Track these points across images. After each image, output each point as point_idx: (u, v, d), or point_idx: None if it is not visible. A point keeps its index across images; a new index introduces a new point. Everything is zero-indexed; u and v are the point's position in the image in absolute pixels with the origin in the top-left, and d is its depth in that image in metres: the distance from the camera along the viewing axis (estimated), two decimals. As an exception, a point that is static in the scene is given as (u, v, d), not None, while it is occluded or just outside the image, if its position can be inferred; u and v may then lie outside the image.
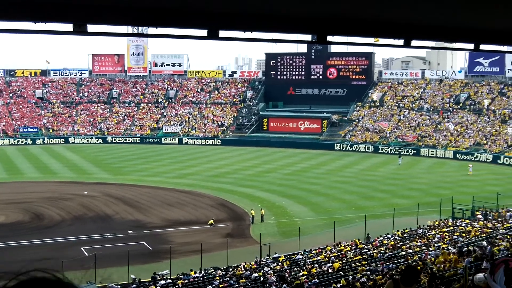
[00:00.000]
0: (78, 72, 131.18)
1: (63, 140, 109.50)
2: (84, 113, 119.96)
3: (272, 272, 31.71)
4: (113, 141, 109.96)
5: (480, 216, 45.81)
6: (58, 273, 2.41)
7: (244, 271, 34.04)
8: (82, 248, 43.17)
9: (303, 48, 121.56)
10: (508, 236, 34.50)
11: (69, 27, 8.18)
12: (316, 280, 28.76)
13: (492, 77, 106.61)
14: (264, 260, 37.54)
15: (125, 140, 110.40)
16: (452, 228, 42.69)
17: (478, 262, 23.72)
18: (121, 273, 36.32)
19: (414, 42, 10.69)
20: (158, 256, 42.17)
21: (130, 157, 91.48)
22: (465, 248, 30.52)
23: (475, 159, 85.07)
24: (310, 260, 36.26)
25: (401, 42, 10.46)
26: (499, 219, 44.96)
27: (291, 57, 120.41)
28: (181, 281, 32.86)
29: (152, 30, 9.07)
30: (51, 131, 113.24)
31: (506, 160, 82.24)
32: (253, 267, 35.24)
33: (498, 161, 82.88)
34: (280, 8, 8.84)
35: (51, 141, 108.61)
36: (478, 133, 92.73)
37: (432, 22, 10.43)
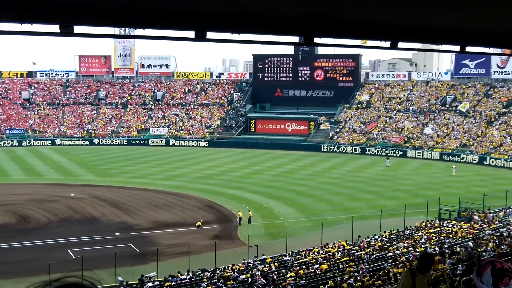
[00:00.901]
0: (65, 74, 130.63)
1: (50, 141, 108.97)
2: (70, 115, 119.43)
3: (259, 274, 31.67)
4: (100, 142, 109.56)
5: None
6: (90, 278, 2.47)
7: (232, 273, 34.01)
8: (69, 250, 42.95)
9: (290, 50, 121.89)
10: (495, 237, 34.70)
11: (55, 28, 8.16)
12: (304, 281, 28.79)
13: (478, 78, 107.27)
14: (252, 262, 37.53)
15: (112, 141, 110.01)
16: (439, 229, 42.89)
17: (462, 263, 23.84)
18: (108, 276, 36.16)
19: (400, 44, 10.74)
20: (145, 258, 42.04)
21: (117, 158, 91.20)
22: (448, 250, 30.70)
23: (461, 161, 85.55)
24: (298, 261, 36.29)
25: (388, 44, 10.50)
26: (485, 220, 45.20)
27: (278, 58, 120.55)
28: (169, 283, 32.79)
29: (139, 32, 9.05)
30: (37, 132, 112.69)
31: (492, 161, 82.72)
32: (240, 268, 35.21)
33: (484, 162, 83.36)
34: (267, 10, 8.86)
35: (38, 142, 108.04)
36: (464, 134, 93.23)
37: (418, 24, 10.49)
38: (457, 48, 11.99)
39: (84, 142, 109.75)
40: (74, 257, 40.43)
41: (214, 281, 31.86)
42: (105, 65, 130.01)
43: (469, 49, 12.07)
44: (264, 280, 29.48)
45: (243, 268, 35.32)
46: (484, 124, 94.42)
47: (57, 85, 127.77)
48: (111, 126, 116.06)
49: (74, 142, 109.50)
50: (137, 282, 34.20)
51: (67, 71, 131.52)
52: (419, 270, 7.45)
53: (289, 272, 32.36)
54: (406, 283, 7.91)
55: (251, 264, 36.68)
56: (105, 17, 8.44)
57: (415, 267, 7.47)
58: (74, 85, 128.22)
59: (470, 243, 33.28)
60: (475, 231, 40.19)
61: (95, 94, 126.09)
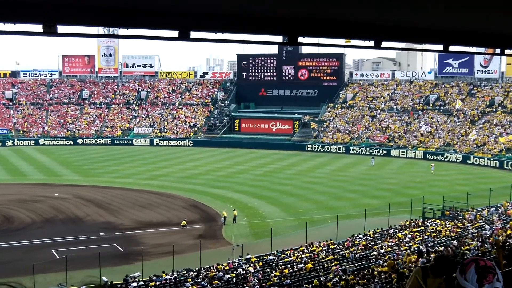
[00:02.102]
0: (48, 73, 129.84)
1: (33, 141, 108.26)
2: (54, 115, 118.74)
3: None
4: (84, 142, 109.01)
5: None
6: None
7: (217, 272, 33.99)
8: (53, 250, 42.73)
9: (274, 49, 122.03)
10: (478, 236, 34.93)
11: (38, 28, 8.11)
12: (289, 280, 28.84)
13: (461, 78, 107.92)
14: (237, 262, 37.54)
15: (96, 141, 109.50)
16: (422, 228, 43.10)
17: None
18: (93, 276, 36.00)
19: (384, 43, 10.78)
20: (130, 258, 41.93)
21: (101, 158, 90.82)
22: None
23: (445, 160, 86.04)
24: (283, 260, 36.33)
25: (371, 43, 10.54)
26: (469, 218, 45.46)
27: (263, 58, 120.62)
28: (153, 283, 32.71)
29: (122, 31, 9.02)
30: (21, 132, 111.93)
31: (476, 160, 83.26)
32: (225, 268, 35.21)
33: (468, 161, 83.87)
34: (251, 9, 8.86)
35: (21, 142, 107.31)
36: (448, 133, 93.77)
37: (402, 23, 10.53)
38: (440, 47, 12.06)
39: (68, 142, 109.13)
40: (58, 257, 40.26)
41: (199, 280, 31.83)
42: (89, 64, 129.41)
43: (452, 48, 12.14)
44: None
45: (227, 268, 35.32)
46: (468, 123, 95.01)
47: (40, 85, 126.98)
48: (95, 126, 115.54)
49: (57, 142, 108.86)
50: (122, 282, 34.08)
51: (51, 70, 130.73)
52: (432, 272, 6.89)
53: (274, 272, 32.39)
54: (415, 283, 7.23)
55: (236, 263, 36.69)
56: (89, 16, 8.41)
57: (428, 266, 7.10)
58: (57, 85, 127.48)
59: (454, 242, 33.50)
60: (459, 230, 40.44)
61: (78, 93, 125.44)
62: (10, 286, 2.50)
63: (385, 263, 28.93)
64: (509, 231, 33.72)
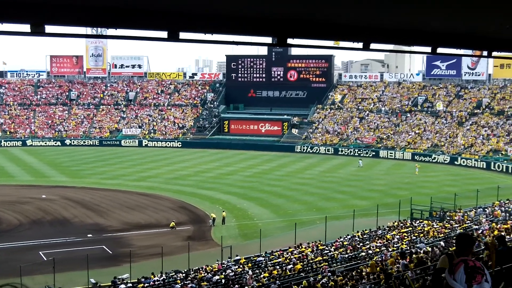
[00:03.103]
0: (36, 74, 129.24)
1: (21, 142, 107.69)
2: (42, 115, 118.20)
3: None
4: (72, 143, 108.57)
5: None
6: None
7: (206, 274, 33.95)
8: (40, 252, 42.53)
9: (263, 51, 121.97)
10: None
11: (26, 28, 8.07)
12: (278, 281, 28.83)
13: (449, 80, 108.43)
14: (226, 263, 37.51)
15: (84, 142, 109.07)
16: (411, 228, 43.25)
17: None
18: (81, 277, 35.89)
19: (373, 45, 10.82)
20: (118, 259, 41.78)
21: (89, 159, 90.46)
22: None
23: (433, 161, 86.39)
24: (272, 262, 36.33)
25: (360, 45, 10.57)
26: (457, 218, 45.65)
27: (252, 59, 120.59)
28: (142, 284, 32.62)
29: (111, 32, 9.00)
30: (8, 133, 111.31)
31: (463, 162, 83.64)
32: (214, 269, 35.17)
33: (455, 162, 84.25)
34: (240, 11, 8.86)
35: (8, 143, 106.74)
36: (435, 135, 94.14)
37: (390, 26, 10.57)
38: (428, 49, 12.11)
39: (55, 143, 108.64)
40: (45, 259, 40.08)
41: (187, 282, 31.77)
42: (77, 65, 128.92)
43: (440, 50, 12.21)
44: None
45: (216, 269, 35.29)
46: (455, 124, 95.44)
47: (28, 85, 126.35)
48: (83, 126, 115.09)
49: (45, 143, 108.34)
50: (110, 283, 33.97)
51: (38, 71, 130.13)
52: (457, 255, 6.74)
53: (263, 273, 32.38)
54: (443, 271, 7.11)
55: (225, 265, 36.67)
56: (77, 16, 8.37)
57: (453, 251, 6.92)
58: (45, 85, 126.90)
59: (442, 243, 33.62)
60: (447, 231, 40.60)
61: (66, 94, 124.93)
62: (13, 287, 2.50)
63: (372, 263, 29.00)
64: (496, 232, 33.88)
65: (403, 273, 22.39)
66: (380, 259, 30.64)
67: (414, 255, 28.20)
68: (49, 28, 8.17)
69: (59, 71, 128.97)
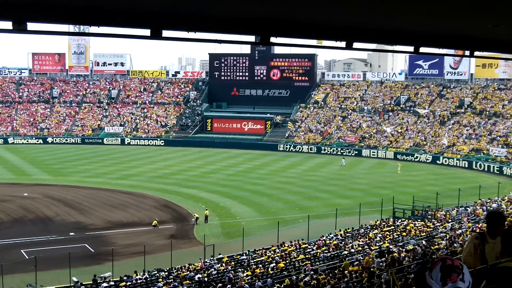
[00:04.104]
0: (18, 71, 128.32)
1: (2, 140, 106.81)
2: (24, 113, 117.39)
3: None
4: (54, 141, 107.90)
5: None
6: None
7: (188, 272, 33.90)
8: (22, 250, 42.23)
9: (246, 49, 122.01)
10: (448, 235, 35.33)
11: (8, 25, 8.01)
12: (260, 280, 28.83)
13: (431, 79, 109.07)
14: (209, 261, 37.49)
15: (66, 140, 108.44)
16: (393, 227, 43.47)
17: (416, 261, 24.21)
18: (63, 276, 35.69)
19: (356, 44, 10.85)
20: (100, 258, 41.63)
21: (71, 157, 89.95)
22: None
23: (415, 160, 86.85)
24: (254, 260, 36.35)
25: (343, 44, 10.60)
26: (440, 217, 45.98)
27: (235, 58, 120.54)
28: (124, 283, 32.51)
29: (93, 29, 8.96)
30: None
31: (445, 161, 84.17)
32: (196, 268, 35.14)
33: (438, 161, 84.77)
34: (223, 9, 8.85)
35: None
36: (418, 134, 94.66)
37: (373, 25, 10.61)
38: (411, 48, 12.17)
39: (37, 141, 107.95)
40: (27, 257, 39.79)
41: (170, 281, 31.71)
42: (59, 62, 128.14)
43: (423, 49, 12.27)
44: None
45: (199, 268, 35.27)
46: (437, 124, 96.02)
47: (9, 83, 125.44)
48: (65, 124, 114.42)
49: (27, 141, 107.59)
50: (92, 282, 33.83)
51: (20, 68, 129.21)
52: (490, 235, 6.31)
53: (245, 271, 32.39)
54: (471, 249, 6.80)
55: (208, 264, 36.65)
56: (59, 14, 8.32)
57: (485, 231, 6.60)
58: (27, 83, 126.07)
59: (424, 242, 33.84)
60: (429, 230, 40.88)
61: (49, 92, 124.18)
62: None
63: (356, 263, 29.14)
64: (477, 230, 34.13)
65: (386, 272, 22.48)
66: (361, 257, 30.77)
67: (389, 255, 28.39)
68: (31, 26, 8.12)
69: (41, 69, 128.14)
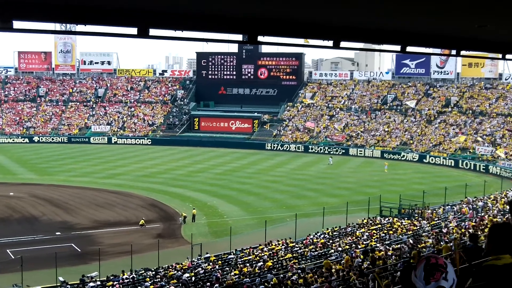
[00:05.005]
0: (4, 70, 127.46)
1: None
2: (9, 112, 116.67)
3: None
4: (40, 140, 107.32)
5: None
6: None
7: (175, 271, 33.85)
8: (8, 250, 42.04)
9: (234, 48, 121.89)
10: (434, 234, 35.48)
11: (-7, 23, 7.95)
12: (248, 279, 28.85)
13: (418, 78, 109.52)
14: (196, 261, 37.46)
15: (53, 139, 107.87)
16: (380, 225, 43.61)
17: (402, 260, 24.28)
18: (49, 276, 35.54)
19: (343, 44, 10.86)
20: (87, 258, 41.52)
21: (57, 157, 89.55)
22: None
23: (402, 159, 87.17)
24: (242, 259, 36.36)
25: (330, 43, 10.61)
26: (427, 216, 46.19)
27: (222, 56, 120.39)
28: (111, 283, 32.41)
29: (80, 28, 8.92)
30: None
31: (432, 160, 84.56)
32: (184, 267, 35.09)
33: (424, 160, 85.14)
34: (211, 8, 8.83)
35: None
36: (404, 133, 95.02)
37: (360, 24, 10.63)
38: (398, 48, 12.20)
39: (23, 140, 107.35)
40: (13, 257, 39.64)
41: (157, 280, 31.65)
42: (46, 61, 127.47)
43: (409, 49, 12.30)
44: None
45: (186, 267, 35.23)
46: (424, 123, 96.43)
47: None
48: (52, 123, 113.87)
49: (13, 140, 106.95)
50: (79, 282, 33.70)
51: (6, 67, 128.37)
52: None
53: (233, 270, 32.39)
54: None
55: (195, 263, 36.62)
56: (46, 12, 8.27)
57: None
58: (13, 82, 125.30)
59: (410, 240, 33.97)
60: (415, 228, 41.05)
61: (35, 90, 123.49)
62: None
63: (343, 261, 29.19)
64: (463, 230, 34.32)
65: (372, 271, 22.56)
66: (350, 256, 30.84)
67: (372, 253, 28.51)
68: (17, 24, 8.06)
69: (27, 67, 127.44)
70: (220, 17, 9.25)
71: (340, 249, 34.97)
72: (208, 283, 29.26)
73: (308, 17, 9.60)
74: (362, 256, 28.65)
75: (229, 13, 9.11)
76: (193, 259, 38.19)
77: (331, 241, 38.99)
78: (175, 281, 31.12)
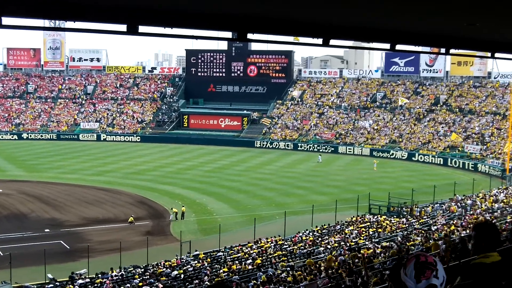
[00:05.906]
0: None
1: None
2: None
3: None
4: (29, 137, 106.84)
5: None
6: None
7: (164, 269, 33.83)
8: (-4, 247, 41.86)
9: (223, 45, 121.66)
10: (423, 232, 35.62)
11: (-19, 19, 7.91)
12: (237, 276, 28.88)
13: (407, 76, 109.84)
14: (185, 258, 37.42)
15: (42, 136, 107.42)
16: (369, 223, 43.72)
17: (391, 258, 24.36)
18: (38, 273, 35.42)
19: (332, 41, 10.89)
20: (76, 255, 41.38)
21: (46, 154, 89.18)
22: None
23: (391, 157, 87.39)
24: (231, 257, 36.37)
25: (320, 41, 10.63)
26: (415, 214, 46.34)
27: (212, 54, 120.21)
28: (100, 280, 32.34)
29: (69, 24, 8.87)
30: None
31: (421, 158, 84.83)
32: (173, 264, 35.06)
33: (413, 158, 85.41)
34: (200, 5, 8.82)
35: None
36: (393, 131, 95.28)
37: (349, 23, 10.65)
38: (387, 46, 12.24)
39: (12, 137, 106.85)
40: (2, 254, 39.48)
41: (146, 277, 31.61)
42: (34, 58, 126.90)
43: (399, 47, 12.34)
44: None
45: (175, 264, 35.20)
46: (413, 121, 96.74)
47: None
48: (41, 120, 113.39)
49: (1, 137, 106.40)
50: (68, 279, 33.60)
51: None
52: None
53: (222, 268, 32.40)
54: None
55: (184, 260, 36.58)
56: (34, 8, 8.23)
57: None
58: (2, 78, 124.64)
59: (399, 238, 34.09)
60: (404, 226, 41.18)
61: (24, 87, 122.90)
62: None
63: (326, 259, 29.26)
64: (452, 227, 34.47)
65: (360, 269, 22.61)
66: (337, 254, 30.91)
67: (352, 252, 28.64)
68: (6, 20, 8.02)
69: (16, 64, 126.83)
70: (210, 15, 9.24)
71: (329, 247, 35.04)
72: (197, 280, 29.25)
73: (298, 15, 9.61)
74: (346, 256, 28.71)
75: (219, 10, 9.10)
76: (182, 256, 38.15)
77: (320, 239, 39.05)
78: (164, 278, 31.10)
